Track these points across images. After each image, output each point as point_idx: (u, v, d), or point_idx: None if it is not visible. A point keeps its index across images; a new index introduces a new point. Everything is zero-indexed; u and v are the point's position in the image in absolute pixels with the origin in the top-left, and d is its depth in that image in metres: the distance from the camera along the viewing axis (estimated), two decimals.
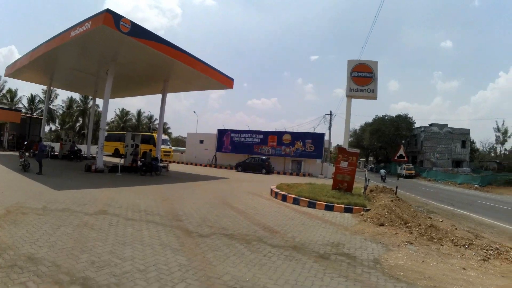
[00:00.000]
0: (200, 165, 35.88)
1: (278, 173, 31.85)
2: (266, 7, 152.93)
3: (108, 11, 14.52)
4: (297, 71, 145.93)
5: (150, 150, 20.72)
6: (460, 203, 17.46)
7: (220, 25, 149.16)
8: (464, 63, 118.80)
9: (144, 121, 67.48)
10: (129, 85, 27.34)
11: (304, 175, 31.50)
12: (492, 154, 58.59)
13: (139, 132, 41.78)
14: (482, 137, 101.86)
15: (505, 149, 56.33)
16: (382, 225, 8.04)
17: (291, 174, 31.88)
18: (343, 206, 10.10)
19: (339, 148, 13.38)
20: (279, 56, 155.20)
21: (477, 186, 32.90)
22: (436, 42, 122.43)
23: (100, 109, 63.13)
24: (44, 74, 26.75)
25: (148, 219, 7.25)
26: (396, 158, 14.55)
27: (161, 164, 21.82)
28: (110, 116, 66.35)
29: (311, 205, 10.49)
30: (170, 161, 35.65)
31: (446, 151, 51.35)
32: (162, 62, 19.37)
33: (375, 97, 14.73)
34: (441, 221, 9.83)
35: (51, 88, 45.58)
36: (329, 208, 10.15)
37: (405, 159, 14.62)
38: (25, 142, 29.81)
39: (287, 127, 38.89)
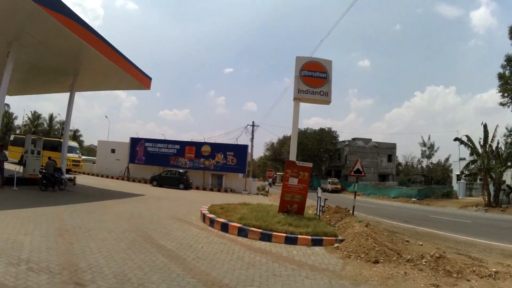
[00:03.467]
0: (112, 177, 32.81)
1: (197, 188, 30.15)
2: (187, 17, 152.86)
3: None
4: (211, 83, 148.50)
5: (49, 157, 17.67)
6: (413, 219, 17.38)
7: (139, 31, 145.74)
8: (381, 81, 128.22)
9: (56, 126, 63.22)
10: (35, 78, 23.67)
11: (226, 190, 30.31)
12: (419, 167, 63.73)
13: (51, 137, 36.74)
14: (399, 152, 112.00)
15: (431, 163, 61.60)
16: (376, 261, 6.44)
17: (211, 189, 30.33)
18: (309, 237, 8.04)
19: (288, 162, 11.41)
20: (194, 67, 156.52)
21: (415, 199, 34.75)
22: (354, 61, 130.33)
23: (10, 109, 57.02)
24: None
25: (28, 285, 4.44)
26: (352, 173, 13.10)
27: (67, 176, 19.41)
28: (21, 119, 63.02)
29: (265, 237, 8.19)
30: (79, 172, 32.30)
31: (371, 165, 54.10)
32: (73, 48, 16.49)
33: (328, 101, 12.97)
34: (421, 244, 8.99)
35: None
36: (291, 240, 7.95)
37: (363, 174, 13.26)
38: None
39: (199, 139, 37.62)
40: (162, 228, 9.17)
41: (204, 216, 10.69)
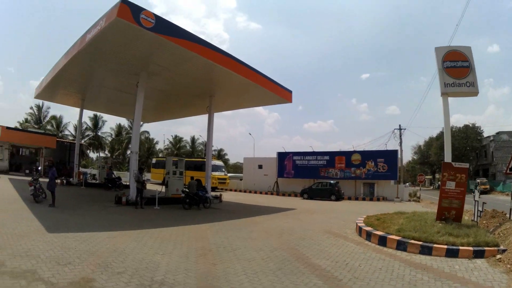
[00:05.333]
0: (260, 192, 34.98)
1: (349, 198, 30.15)
2: (309, 27, 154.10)
3: (123, 1, 12.72)
4: (350, 91, 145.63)
5: (192, 177, 19.00)
6: None
7: (267, 48, 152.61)
8: None
9: (199, 148, 69.49)
10: (170, 104, 26.61)
11: (378, 199, 29.78)
12: None
13: (194, 158, 41.65)
14: None
15: None
16: None
17: (363, 199, 30.28)
18: (471, 248, 7.66)
19: (444, 164, 10.96)
20: (330, 76, 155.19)
21: None
22: (482, 47, 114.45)
23: (150, 135, 67.26)
24: (73, 94, 26.50)
25: None
26: (508, 171, 11.89)
27: (212, 194, 20.57)
28: (162, 143, 69.77)
29: (425, 250, 8.02)
30: (225, 189, 35.08)
31: None
32: (204, 70, 17.95)
33: (476, 92, 12.10)
34: None
35: (98, 114, 47.60)
36: (452, 253, 7.71)
37: None
38: (39, 167, 30.28)
39: (347, 149, 37.63)
40: (316, 245, 9.11)
41: (360, 229, 10.79)
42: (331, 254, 8.10)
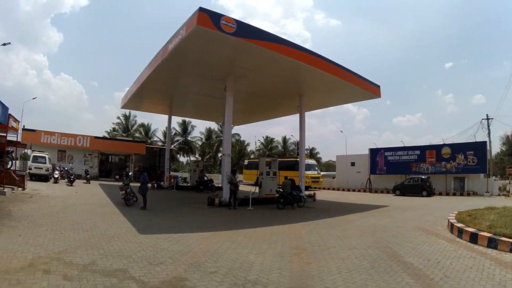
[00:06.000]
0: (353, 190, 35.23)
1: (440, 194, 29.58)
2: (387, 19, 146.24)
3: (200, 9, 13.35)
4: (435, 82, 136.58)
5: (286, 177, 19.36)
6: None
7: (349, 44, 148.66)
8: None
9: (291, 147, 70.63)
10: (258, 105, 27.46)
11: (468, 194, 28.84)
12: None
13: (286, 158, 42.65)
14: None
15: None
16: None
17: (454, 194, 29.41)
18: None
19: None
20: (414, 68, 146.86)
21: None
22: None
23: (241, 137, 70.09)
24: (160, 102, 28.57)
25: None
26: None
27: (306, 193, 20.81)
28: (253, 145, 72.21)
29: None
30: (319, 188, 35.61)
31: None
32: (290, 70, 18.35)
33: None
34: None
35: (187, 119, 50.33)
36: None
37: None
38: (129, 173, 32.45)
39: (437, 142, 36.18)
40: (408, 242, 9.17)
41: (451, 226, 10.76)
42: (423, 252, 8.15)
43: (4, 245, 7.26)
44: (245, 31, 14.77)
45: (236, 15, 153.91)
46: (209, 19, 13.59)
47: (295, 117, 24.10)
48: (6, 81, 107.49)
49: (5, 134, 17.58)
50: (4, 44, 32.43)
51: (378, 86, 22.79)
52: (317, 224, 12.24)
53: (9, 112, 14.92)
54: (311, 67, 17.49)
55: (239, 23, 14.50)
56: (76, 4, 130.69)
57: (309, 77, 19.71)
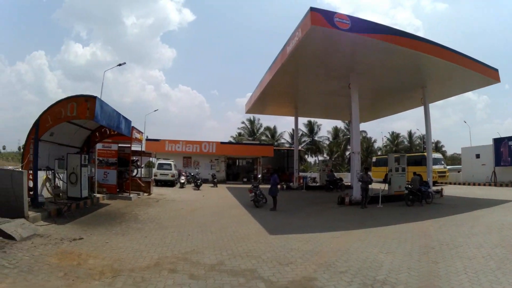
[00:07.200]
0: (478, 184, 31.73)
1: None
2: None
3: (312, 9, 13.28)
4: None
5: (414, 173, 18.37)
6: None
7: (459, 27, 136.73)
8: None
9: (417, 142, 67.64)
10: (382, 100, 26.82)
11: None
12: None
13: (413, 153, 40.87)
14: None
15: None
16: None
17: None
18: None
19: None
20: None
21: None
22: None
23: (367, 134, 68.86)
24: (285, 104, 28.97)
25: None
26: None
27: (434, 189, 19.80)
28: (379, 141, 71.51)
29: None
30: (445, 183, 33.16)
31: None
32: (410, 61, 17.62)
33: None
34: None
35: (312, 120, 50.93)
36: None
37: None
38: (258, 175, 33.07)
39: None
40: None
41: None
42: None
43: (130, 245, 7.66)
44: (360, 26, 14.33)
45: (344, 10, 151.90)
46: (323, 17, 13.41)
47: (417, 111, 22.62)
48: (124, 98, 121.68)
49: (129, 145, 19.29)
50: (120, 65, 35.26)
51: (496, 70, 20.44)
52: (445, 221, 11.74)
53: (132, 124, 16.06)
54: (430, 56, 16.41)
55: (352, 19, 14.12)
56: (183, 21, 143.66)
57: (428, 66, 18.50)
